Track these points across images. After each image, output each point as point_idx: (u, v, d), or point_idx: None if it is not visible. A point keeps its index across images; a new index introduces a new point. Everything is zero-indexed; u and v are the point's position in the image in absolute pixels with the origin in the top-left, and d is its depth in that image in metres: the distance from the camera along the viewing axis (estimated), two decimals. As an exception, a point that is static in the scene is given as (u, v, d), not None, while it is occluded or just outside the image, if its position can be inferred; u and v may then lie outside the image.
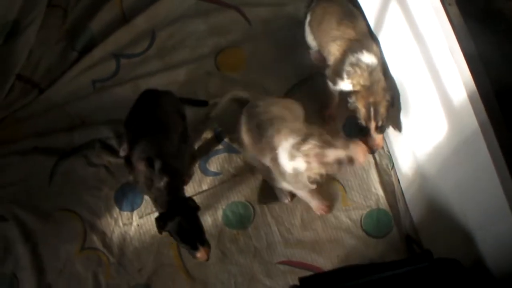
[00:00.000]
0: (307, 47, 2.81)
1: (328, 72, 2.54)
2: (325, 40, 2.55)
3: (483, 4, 2.48)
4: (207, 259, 2.24)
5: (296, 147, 2.11)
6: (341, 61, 2.41)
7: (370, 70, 2.32)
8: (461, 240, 2.03)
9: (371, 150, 2.39)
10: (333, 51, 2.48)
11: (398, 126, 2.45)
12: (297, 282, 1.97)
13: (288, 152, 2.14)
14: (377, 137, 2.37)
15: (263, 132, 2.26)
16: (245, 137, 2.39)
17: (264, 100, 2.45)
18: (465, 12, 1.88)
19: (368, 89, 2.30)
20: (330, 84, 2.56)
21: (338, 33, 2.46)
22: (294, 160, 2.13)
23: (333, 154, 2.05)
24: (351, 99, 2.34)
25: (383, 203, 2.59)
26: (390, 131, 2.56)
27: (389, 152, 2.67)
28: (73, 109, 2.85)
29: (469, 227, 1.97)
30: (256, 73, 2.88)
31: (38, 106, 2.88)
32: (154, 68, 2.92)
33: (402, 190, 2.61)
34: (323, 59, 2.63)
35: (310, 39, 2.76)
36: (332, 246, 2.53)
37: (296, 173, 2.16)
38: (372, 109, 2.29)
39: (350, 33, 2.44)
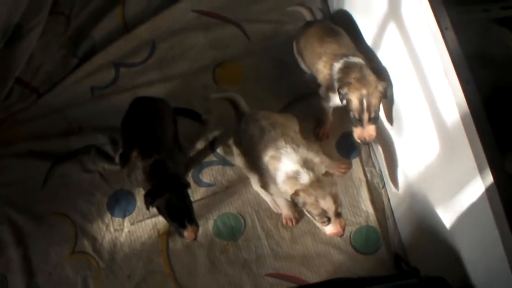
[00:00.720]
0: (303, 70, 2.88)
1: (321, 90, 2.59)
2: (312, 61, 2.61)
3: (479, 30, 2.55)
4: (195, 239, 2.25)
5: (294, 182, 2.16)
6: (330, 74, 2.46)
7: (360, 66, 2.37)
8: (448, 260, 2.06)
9: (365, 142, 2.41)
10: (320, 68, 2.53)
11: (389, 119, 2.47)
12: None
13: (285, 177, 2.19)
14: (370, 128, 2.37)
15: (264, 136, 2.30)
16: (245, 140, 2.41)
17: (263, 111, 2.48)
18: (461, 36, 1.93)
19: (359, 80, 2.32)
20: (323, 102, 2.61)
21: (322, 50, 2.53)
22: (286, 186, 2.20)
23: (323, 205, 2.10)
24: (343, 91, 2.34)
25: (373, 221, 2.62)
26: (382, 149, 2.61)
27: (380, 171, 2.70)
28: (71, 114, 2.89)
29: (457, 248, 2.00)
30: (252, 88, 2.91)
31: (36, 110, 2.92)
32: (153, 78, 2.97)
33: (392, 208, 2.64)
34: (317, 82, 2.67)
35: (302, 65, 2.83)
36: (321, 261, 2.55)
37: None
38: (365, 100, 2.31)
39: (334, 48, 2.50)
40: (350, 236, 2.60)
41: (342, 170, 2.68)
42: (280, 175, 2.22)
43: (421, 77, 2.04)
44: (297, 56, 2.82)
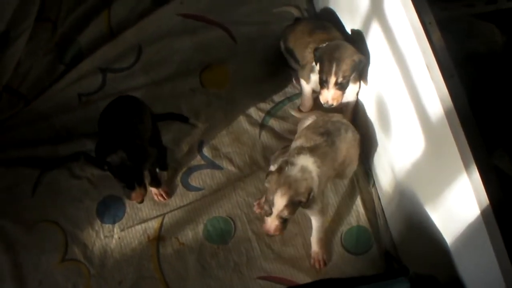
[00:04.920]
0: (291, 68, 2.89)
1: (300, 72, 2.65)
2: (301, 53, 2.64)
3: (463, 25, 2.54)
4: (141, 202, 2.26)
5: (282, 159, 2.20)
6: (313, 56, 2.48)
7: (338, 40, 2.45)
8: (438, 258, 2.06)
9: (327, 104, 2.44)
10: (307, 54, 2.57)
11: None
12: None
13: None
14: (336, 93, 2.41)
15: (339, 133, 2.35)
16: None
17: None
18: (444, 32, 1.93)
19: (333, 46, 2.37)
20: (303, 84, 2.67)
21: (311, 39, 2.58)
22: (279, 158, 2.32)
23: (276, 200, 2.09)
24: (317, 52, 2.39)
25: (363, 220, 2.62)
26: (371, 146, 2.60)
27: (369, 170, 2.70)
28: (59, 121, 2.87)
29: (446, 245, 1.99)
30: (240, 90, 2.92)
31: (24, 117, 2.89)
32: (140, 83, 2.95)
33: (382, 208, 2.63)
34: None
35: (292, 63, 2.85)
36: (308, 261, 2.54)
37: None
38: (334, 63, 2.34)
39: (323, 36, 2.54)
40: (341, 237, 2.59)
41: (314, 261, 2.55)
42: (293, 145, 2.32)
43: (405, 73, 2.05)
44: (285, 54, 2.84)
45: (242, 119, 2.85)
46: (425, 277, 1.97)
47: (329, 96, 2.42)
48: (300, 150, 2.23)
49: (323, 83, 2.41)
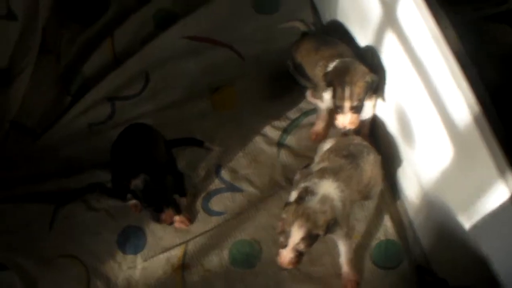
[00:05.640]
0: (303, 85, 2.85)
1: (313, 91, 2.65)
2: (312, 71, 2.60)
3: (475, 28, 2.51)
4: (172, 223, 2.24)
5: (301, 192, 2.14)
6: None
7: (351, 61, 2.37)
8: (475, 267, 1.99)
9: (344, 128, 2.40)
10: (317, 73, 2.52)
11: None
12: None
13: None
14: (352, 116, 2.36)
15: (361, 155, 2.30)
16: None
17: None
18: (460, 35, 1.89)
19: (344, 69, 2.32)
20: (318, 103, 2.64)
21: (318, 56, 2.53)
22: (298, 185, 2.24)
23: (293, 233, 2.02)
24: (328, 77, 2.35)
25: (392, 234, 2.54)
26: (394, 159, 2.54)
27: (394, 184, 2.63)
28: (69, 153, 2.81)
29: (484, 254, 1.93)
30: (253, 109, 2.88)
31: (33, 152, 2.84)
32: (149, 109, 2.90)
33: (410, 219, 2.56)
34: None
35: (301, 81, 2.81)
36: (339, 281, 2.44)
37: None
38: (347, 88, 2.29)
39: (331, 52, 2.49)
40: (370, 252, 2.52)
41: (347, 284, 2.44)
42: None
43: (426, 80, 2.00)
44: (294, 73, 2.81)
45: (258, 139, 2.79)
46: (464, 288, 1.91)
47: (345, 121, 2.37)
48: (323, 174, 2.17)
49: (337, 108, 2.36)
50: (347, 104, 2.32)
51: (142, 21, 3.17)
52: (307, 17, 3.09)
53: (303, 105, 2.87)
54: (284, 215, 2.06)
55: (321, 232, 2.02)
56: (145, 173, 2.13)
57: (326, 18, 2.99)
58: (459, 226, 2.04)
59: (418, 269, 2.46)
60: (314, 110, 2.82)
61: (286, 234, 2.03)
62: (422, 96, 2.05)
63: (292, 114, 2.86)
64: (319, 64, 2.51)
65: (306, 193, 2.09)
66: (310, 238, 2.02)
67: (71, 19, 3.22)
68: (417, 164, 2.32)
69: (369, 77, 2.30)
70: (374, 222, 2.58)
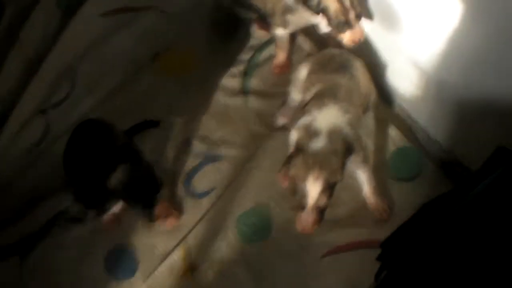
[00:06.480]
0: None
1: (274, 19, 2.25)
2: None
3: None
4: (170, 217, 1.99)
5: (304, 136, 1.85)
6: None
7: None
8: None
9: (359, 41, 2.03)
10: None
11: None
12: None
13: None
14: (359, 27, 2.01)
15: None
16: None
17: None
18: None
19: None
20: (279, 31, 2.29)
21: None
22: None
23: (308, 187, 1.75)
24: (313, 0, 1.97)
25: (401, 141, 2.27)
26: (378, 58, 2.21)
27: (386, 87, 2.31)
28: (15, 189, 2.37)
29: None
30: (200, 66, 2.53)
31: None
32: (89, 106, 2.49)
33: (413, 119, 2.26)
34: (266, 26, 2.41)
35: (243, 13, 2.52)
36: (369, 212, 2.14)
37: None
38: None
39: None
40: (387, 169, 2.22)
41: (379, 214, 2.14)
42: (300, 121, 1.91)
43: None
44: (232, 6, 2.51)
45: (219, 95, 2.46)
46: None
47: (356, 34, 1.99)
48: (322, 99, 1.90)
49: (342, 27, 1.98)
50: (352, 14, 1.95)
51: (47, 14, 2.74)
52: None
53: (253, 42, 2.57)
54: (292, 171, 1.80)
55: (340, 177, 1.78)
56: (123, 161, 1.82)
57: None
58: (484, 87, 1.76)
59: (443, 165, 2.17)
60: (267, 43, 2.54)
61: (300, 192, 1.78)
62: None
63: (245, 55, 2.55)
64: None
65: (308, 135, 1.83)
66: (330, 188, 1.78)
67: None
68: (410, 45, 2.01)
69: None
70: (378, 137, 2.28)
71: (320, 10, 1.95)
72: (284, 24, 2.21)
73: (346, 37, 2.00)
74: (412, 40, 1.97)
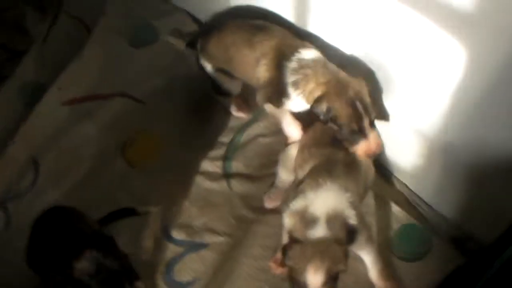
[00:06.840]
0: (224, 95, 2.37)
1: (260, 98, 2.04)
2: (247, 72, 2.05)
3: None
4: None
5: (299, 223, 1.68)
6: (278, 76, 1.90)
7: (322, 62, 1.82)
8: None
9: (375, 154, 1.83)
10: (262, 73, 1.97)
11: (384, 113, 1.94)
12: None
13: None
14: (375, 135, 1.80)
15: None
16: None
17: None
18: None
19: (337, 84, 1.76)
20: (277, 109, 2.06)
21: (257, 53, 1.97)
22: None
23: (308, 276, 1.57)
24: (321, 107, 1.76)
25: (404, 218, 2.08)
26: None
27: (383, 163, 2.17)
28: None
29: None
30: (177, 151, 2.36)
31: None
32: (54, 197, 2.25)
33: (415, 194, 2.10)
34: (246, 107, 2.32)
35: (227, 85, 2.28)
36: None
37: None
38: (358, 103, 1.73)
39: (269, 44, 1.95)
40: (392, 249, 2.02)
41: None
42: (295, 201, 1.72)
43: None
44: (217, 77, 2.26)
45: (199, 180, 2.27)
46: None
47: (372, 144, 1.79)
48: (317, 178, 1.73)
49: (354, 137, 1.79)
50: (366, 122, 1.76)
51: (7, 102, 2.58)
52: (190, 27, 2.68)
53: (233, 123, 2.42)
54: (289, 263, 1.62)
55: (344, 266, 1.59)
56: (92, 245, 1.62)
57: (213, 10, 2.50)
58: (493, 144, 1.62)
59: (453, 241, 1.97)
60: (249, 123, 2.39)
61: (300, 285, 1.59)
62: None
63: (225, 137, 2.39)
64: (262, 63, 1.97)
65: (305, 224, 1.65)
66: (333, 279, 1.59)
67: None
68: (409, 110, 1.87)
69: (362, 80, 1.80)
70: (380, 215, 2.11)
71: (329, 118, 1.77)
72: (279, 103, 1.99)
73: (360, 149, 1.80)
74: (410, 104, 1.84)
